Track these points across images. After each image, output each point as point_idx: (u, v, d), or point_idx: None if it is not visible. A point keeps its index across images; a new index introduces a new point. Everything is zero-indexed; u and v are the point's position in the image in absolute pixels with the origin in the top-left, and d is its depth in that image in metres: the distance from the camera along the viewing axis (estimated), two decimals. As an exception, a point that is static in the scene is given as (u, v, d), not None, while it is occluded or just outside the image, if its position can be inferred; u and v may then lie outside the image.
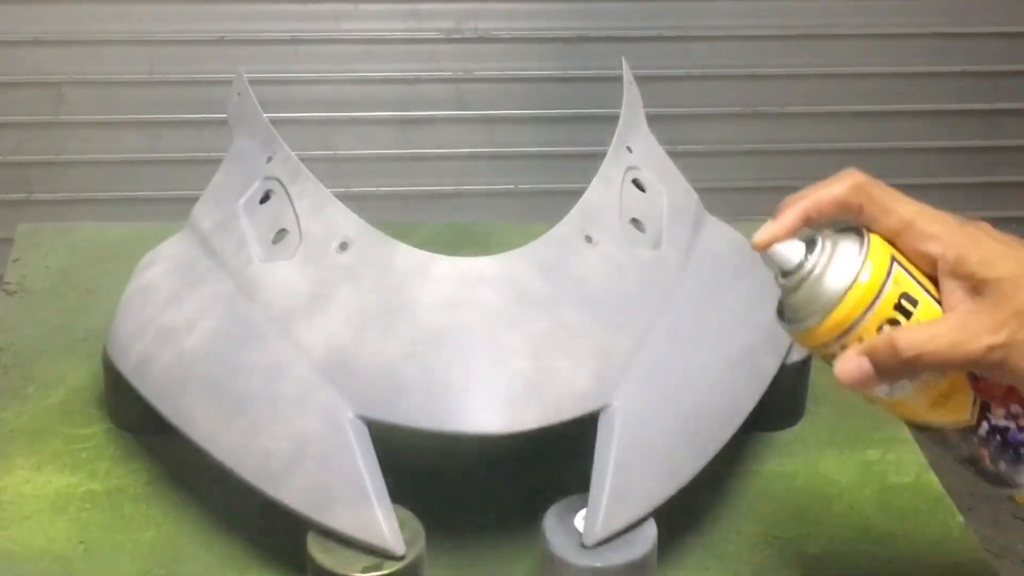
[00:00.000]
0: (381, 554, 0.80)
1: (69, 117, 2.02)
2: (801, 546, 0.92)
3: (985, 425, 0.73)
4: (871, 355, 0.71)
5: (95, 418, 1.01)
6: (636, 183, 0.98)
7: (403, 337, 0.86)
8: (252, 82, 1.04)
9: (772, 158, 2.11)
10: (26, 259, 1.23)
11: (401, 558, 0.80)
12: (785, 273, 0.73)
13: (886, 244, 0.72)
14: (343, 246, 0.90)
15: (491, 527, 0.92)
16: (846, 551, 0.91)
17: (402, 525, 0.81)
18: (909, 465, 1.00)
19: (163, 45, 2.00)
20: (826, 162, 2.13)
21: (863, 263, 0.71)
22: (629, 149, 1.00)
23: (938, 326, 0.71)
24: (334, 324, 0.87)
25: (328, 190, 0.93)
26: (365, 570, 0.79)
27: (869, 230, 0.72)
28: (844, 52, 2.06)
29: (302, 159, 0.96)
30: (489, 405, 0.83)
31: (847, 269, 0.71)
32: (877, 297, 0.71)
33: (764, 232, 0.73)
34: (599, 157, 0.98)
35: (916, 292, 0.71)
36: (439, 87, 2.03)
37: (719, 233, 1.05)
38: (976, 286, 0.71)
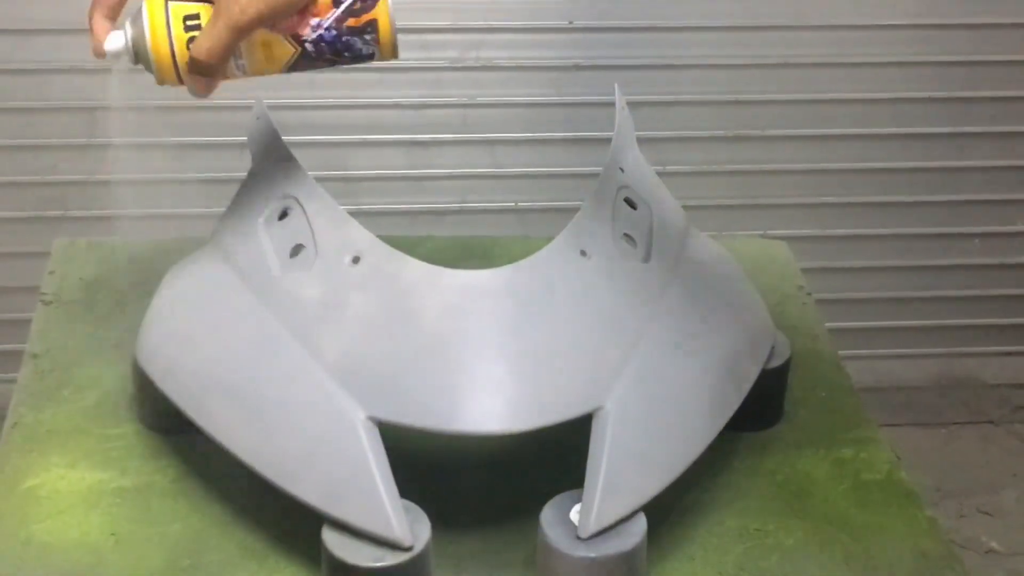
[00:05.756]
0: (390, 545, 0.80)
1: (101, 139, 2.01)
2: (780, 538, 0.92)
3: (309, 46, 0.89)
4: (192, 70, 0.88)
5: (125, 419, 1.01)
6: (628, 201, 0.98)
7: (411, 344, 0.86)
8: (270, 107, 1.04)
9: (753, 178, 2.10)
10: (61, 272, 1.23)
11: (409, 549, 0.80)
12: (127, 57, 0.90)
13: None
14: (355, 259, 0.90)
15: (493, 520, 0.92)
16: (821, 542, 0.91)
17: (410, 518, 0.81)
18: (880, 463, 1.00)
19: (189, 73, 2.00)
20: (803, 181, 2.14)
21: (145, 20, 0.88)
22: (621, 169, 1.00)
23: (207, 29, 0.86)
24: (347, 332, 0.87)
25: (342, 207, 0.93)
26: (375, 560, 0.79)
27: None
28: (820, 80, 2.05)
29: (317, 179, 0.96)
30: (491, 407, 0.83)
31: (140, 31, 0.88)
32: (169, 34, 0.87)
33: (94, 49, 0.91)
34: (593, 177, 0.99)
35: (194, 9, 0.88)
36: (445, 112, 2.03)
37: (704, 247, 1.05)
38: None
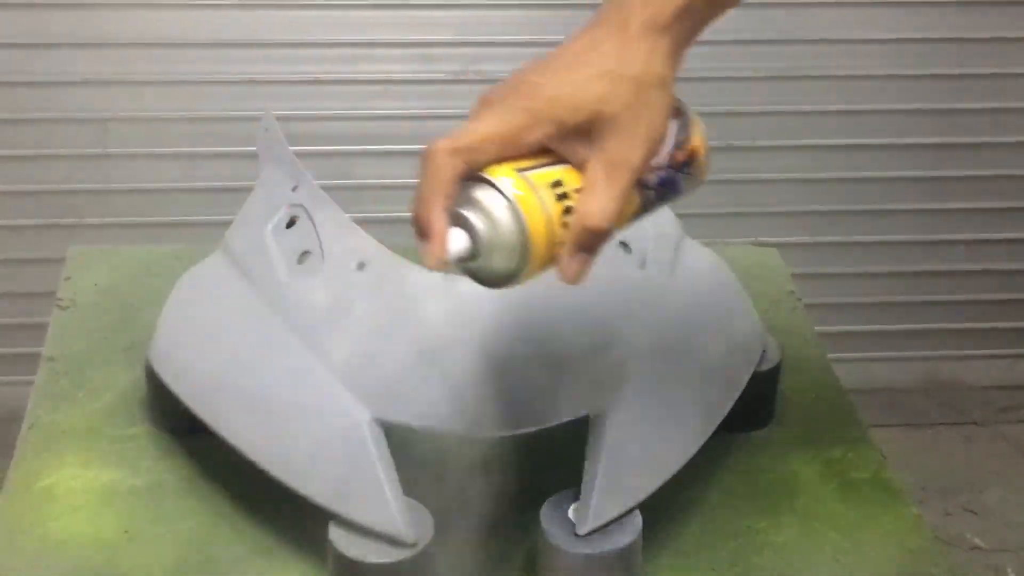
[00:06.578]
0: (394, 542, 0.80)
1: (115, 150, 2.02)
2: (771, 535, 0.92)
3: (650, 193, 0.74)
4: (580, 247, 0.69)
5: (138, 420, 1.01)
6: (623, 210, 0.98)
7: (415, 347, 0.86)
8: (279, 118, 1.04)
9: (745, 187, 2.11)
10: (77, 278, 1.23)
11: (413, 545, 0.80)
12: (467, 258, 0.69)
13: (505, 166, 0.69)
14: (361, 266, 0.91)
15: (493, 518, 0.92)
16: (811, 539, 0.91)
17: (413, 516, 0.81)
18: (868, 463, 1.00)
19: (199, 85, 2.00)
20: (794, 190, 2.14)
21: (511, 197, 0.68)
22: (617, 179, 1.00)
23: (598, 186, 0.68)
24: (353, 336, 0.87)
25: (347, 215, 0.94)
26: (380, 556, 0.79)
27: (481, 174, 0.69)
28: (810, 92, 2.06)
29: (324, 188, 0.97)
30: (493, 409, 0.84)
31: (504, 213, 0.68)
32: (544, 211, 0.68)
33: (433, 257, 0.67)
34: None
35: (554, 175, 0.69)
36: (447, 123, 2.02)
37: (698, 255, 1.05)
38: (575, 134, 0.69)
